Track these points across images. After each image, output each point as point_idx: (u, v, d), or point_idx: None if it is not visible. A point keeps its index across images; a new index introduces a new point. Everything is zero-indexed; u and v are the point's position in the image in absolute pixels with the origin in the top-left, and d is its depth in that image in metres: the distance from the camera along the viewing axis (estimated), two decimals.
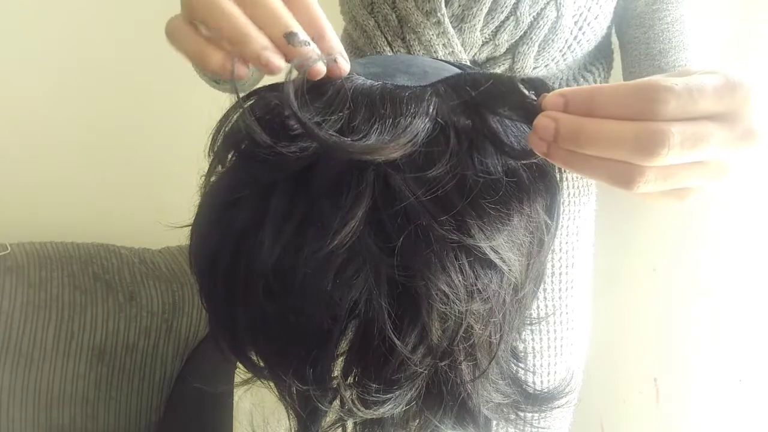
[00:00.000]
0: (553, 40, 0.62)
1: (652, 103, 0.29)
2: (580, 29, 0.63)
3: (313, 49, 0.35)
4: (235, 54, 0.35)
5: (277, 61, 0.34)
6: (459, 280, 0.35)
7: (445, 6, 0.61)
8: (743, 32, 0.79)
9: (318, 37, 0.36)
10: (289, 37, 0.34)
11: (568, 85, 0.67)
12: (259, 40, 0.34)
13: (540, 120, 0.33)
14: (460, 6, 0.61)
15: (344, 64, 0.36)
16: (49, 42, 1.25)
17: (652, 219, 0.92)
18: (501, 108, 0.37)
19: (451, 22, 0.61)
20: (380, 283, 0.35)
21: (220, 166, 0.40)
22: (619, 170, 0.31)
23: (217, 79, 0.60)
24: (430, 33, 0.61)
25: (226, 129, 0.39)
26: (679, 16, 0.66)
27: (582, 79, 0.68)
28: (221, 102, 0.40)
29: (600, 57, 0.70)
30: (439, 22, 0.60)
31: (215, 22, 0.34)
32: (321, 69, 0.35)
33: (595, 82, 0.69)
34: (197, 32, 0.36)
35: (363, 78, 0.38)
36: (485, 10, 0.60)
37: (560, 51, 0.64)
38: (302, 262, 0.35)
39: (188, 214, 0.41)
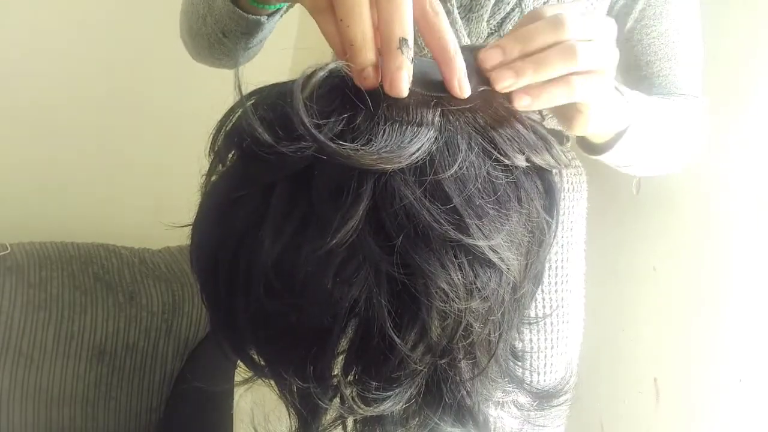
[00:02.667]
0: None
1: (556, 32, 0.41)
2: None
3: (409, 59, 0.36)
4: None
5: (372, 83, 0.36)
6: (458, 279, 0.36)
7: None
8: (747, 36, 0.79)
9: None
10: (402, 42, 0.35)
11: None
12: (368, 55, 0.36)
13: (500, 73, 0.40)
14: None
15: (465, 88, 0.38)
16: (50, 43, 1.25)
17: (653, 218, 0.92)
18: (507, 126, 0.38)
19: (459, 13, 0.61)
20: (380, 281, 0.35)
21: (220, 165, 0.40)
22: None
23: (245, 6, 0.59)
24: None
25: (227, 128, 0.39)
26: (664, 30, 0.72)
27: None
28: (221, 102, 0.40)
29: None
30: (448, 12, 0.61)
31: (344, 15, 0.35)
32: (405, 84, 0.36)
33: None
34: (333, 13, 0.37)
35: None
36: (493, 0, 0.61)
37: None
38: (302, 261, 0.35)
39: (188, 214, 0.41)
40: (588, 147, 0.61)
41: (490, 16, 0.62)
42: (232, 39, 0.61)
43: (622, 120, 0.56)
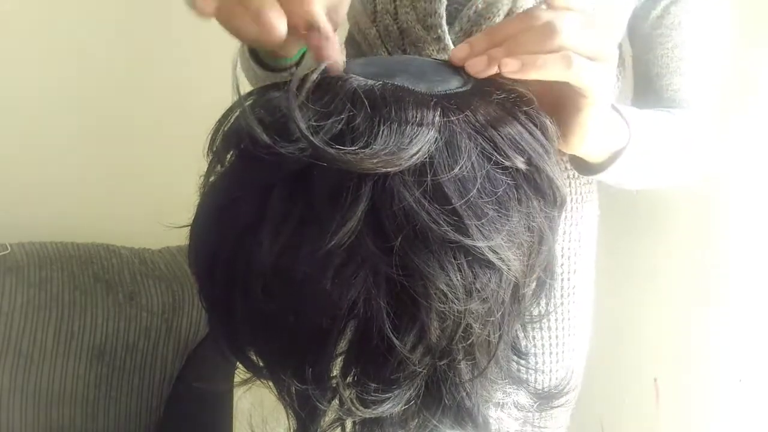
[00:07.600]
0: None
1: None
2: None
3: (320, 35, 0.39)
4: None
5: (278, 23, 0.38)
6: (457, 280, 0.35)
7: (454, 21, 0.60)
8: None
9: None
10: (308, 25, 0.38)
11: None
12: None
13: (472, 61, 0.40)
14: (469, 21, 0.60)
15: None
16: (49, 42, 1.25)
17: (653, 218, 0.92)
18: (507, 126, 0.38)
19: (459, 38, 0.60)
20: (379, 282, 0.35)
21: (219, 166, 0.40)
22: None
23: (272, 66, 0.59)
24: (431, 48, 0.60)
25: (226, 128, 0.39)
26: (680, 42, 0.66)
27: None
28: (221, 102, 0.40)
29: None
30: (439, 38, 0.60)
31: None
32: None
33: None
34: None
35: (362, 78, 0.38)
36: None
37: None
38: (301, 262, 0.35)
39: (188, 214, 0.41)
40: (582, 167, 0.56)
41: None
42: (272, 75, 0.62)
43: (619, 137, 0.51)
